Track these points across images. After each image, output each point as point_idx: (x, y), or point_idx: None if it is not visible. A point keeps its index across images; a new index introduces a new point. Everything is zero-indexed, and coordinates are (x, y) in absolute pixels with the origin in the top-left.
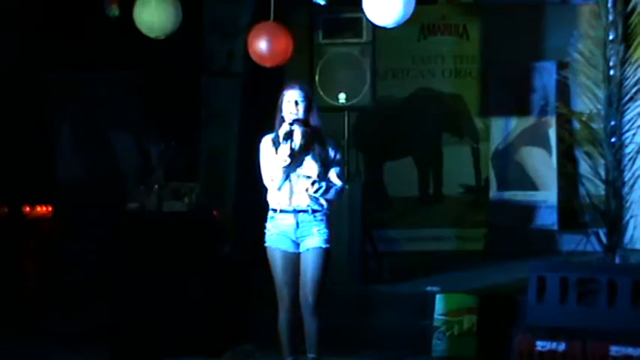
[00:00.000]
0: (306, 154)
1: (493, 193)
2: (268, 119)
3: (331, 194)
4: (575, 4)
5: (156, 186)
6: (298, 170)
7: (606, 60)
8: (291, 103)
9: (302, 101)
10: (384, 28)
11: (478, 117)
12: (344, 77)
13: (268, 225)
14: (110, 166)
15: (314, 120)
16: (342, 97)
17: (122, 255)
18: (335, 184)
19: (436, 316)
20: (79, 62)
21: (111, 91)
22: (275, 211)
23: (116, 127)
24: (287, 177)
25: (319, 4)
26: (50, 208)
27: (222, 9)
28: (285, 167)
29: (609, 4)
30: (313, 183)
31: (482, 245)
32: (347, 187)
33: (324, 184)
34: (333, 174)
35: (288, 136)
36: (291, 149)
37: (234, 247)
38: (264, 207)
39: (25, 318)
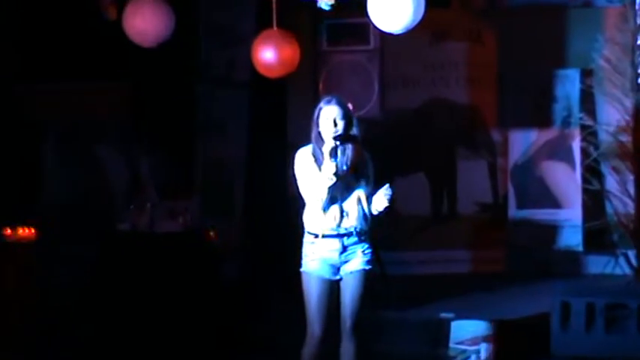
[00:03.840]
0: (354, 172)
1: (512, 211)
2: (275, 130)
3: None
4: (600, 6)
5: (148, 205)
6: (344, 189)
7: (634, 67)
8: (330, 121)
9: (341, 119)
10: (392, 35)
11: (495, 129)
12: (350, 86)
13: (307, 250)
14: (98, 184)
15: (354, 137)
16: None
17: (112, 280)
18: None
19: (451, 345)
20: (63, 71)
21: (99, 102)
22: (316, 236)
23: (104, 141)
24: (333, 198)
25: (323, 9)
26: (33, 231)
27: (221, 14)
28: (330, 187)
29: (637, 7)
30: (389, 187)
31: (500, 268)
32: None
33: (389, 191)
34: (376, 191)
35: (334, 153)
36: (337, 167)
37: (241, 268)
38: (283, 225)
39: (8, 349)
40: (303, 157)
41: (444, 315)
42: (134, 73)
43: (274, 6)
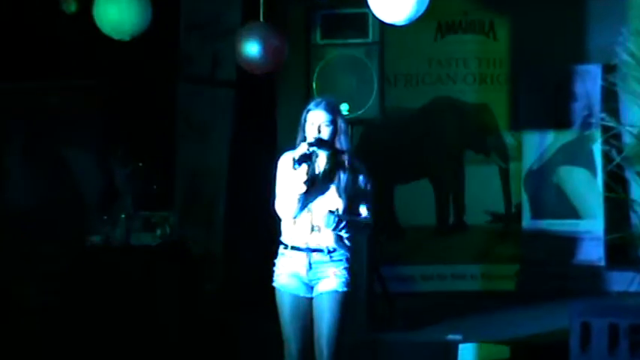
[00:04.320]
0: (330, 183)
1: (526, 222)
2: (263, 134)
3: (355, 230)
4: None
5: (122, 215)
6: (319, 201)
7: None
8: (314, 127)
9: (328, 125)
10: (393, 26)
11: (508, 131)
12: (346, 84)
13: (277, 262)
14: (68, 192)
15: (341, 143)
16: (344, 108)
17: (83, 297)
18: (361, 220)
19: None
20: (29, 69)
21: (68, 103)
22: (286, 246)
23: (75, 145)
24: (304, 207)
25: None
26: None
27: (204, 5)
28: (301, 196)
29: None
30: (331, 214)
31: (513, 285)
32: (371, 220)
33: (346, 217)
34: (362, 207)
35: (306, 159)
36: (310, 175)
37: (223, 285)
38: (268, 238)
39: None
40: (283, 161)
41: (451, 337)
42: (106, 70)
43: None
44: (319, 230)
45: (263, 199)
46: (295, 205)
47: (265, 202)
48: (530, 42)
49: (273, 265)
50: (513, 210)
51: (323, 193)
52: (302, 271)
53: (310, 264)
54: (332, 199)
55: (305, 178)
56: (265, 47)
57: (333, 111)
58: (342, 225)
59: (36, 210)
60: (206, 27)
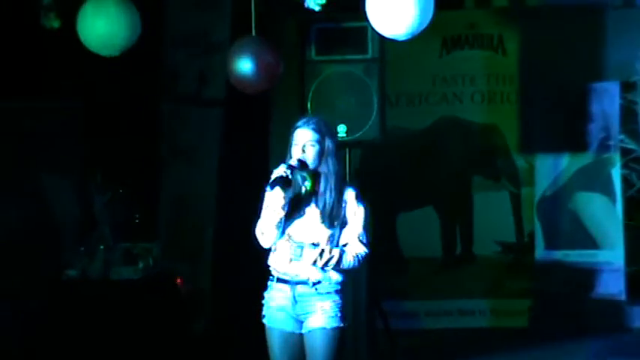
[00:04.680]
0: (312, 206)
1: (539, 252)
2: (254, 157)
3: (347, 263)
4: None
5: (101, 247)
6: (300, 229)
7: None
8: (298, 147)
9: (312, 145)
10: (395, 41)
11: (519, 153)
12: (344, 104)
13: (266, 295)
14: (41, 221)
15: (327, 166)
16: (341, 129)
17: (57, 337)
18: (354, 252)
19: None
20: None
21: (42, 125)
22: (272, 278)
23: (49, 170)
24: (282, 234)
25: (312, 9)
26: None
27: (190, 18)
28: (279, 222)
29: None
30: (322, 254)
31: (525, 321)
32: (367, 252)
33: (336, 252)
34: (352, 235)
35: (283, 182)
36: (287, 200)
37: (212, 324)
38: (260, 270)
39: None
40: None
41: None
42: (85, 89)
43: (253, 8)
44: (301, 261)
45: (255, 228)
46: (272, 231)
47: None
48: (543, 57)
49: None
50: (525, 240)
51: (304, 219)
52: (288, 305)
53: (294, 297)
54: (315, 227)
55: (282, 202)
56: (259, 64)
57: (320, 130)
58: (323, 259)
59: (6, 241)
60: (192, 42)
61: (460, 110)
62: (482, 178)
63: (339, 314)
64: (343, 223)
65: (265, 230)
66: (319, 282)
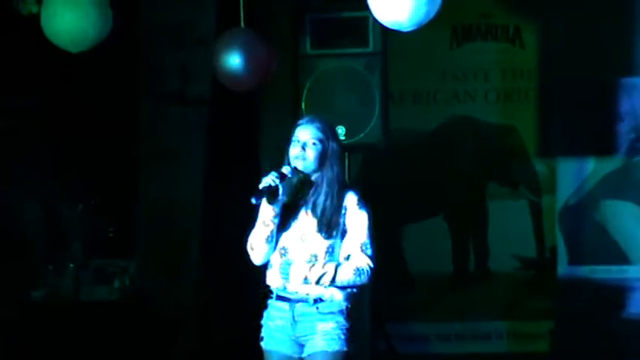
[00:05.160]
0: (308, 215)
1: (562, 268)
2: (244, 162)
3: (346, 280)
4: None
5: (71, 265)
6: (296, 240)
7: None
8: (298, 145)
9: (314, 145)
10: (399, 33)
11: (539, 158)
12: (342, 103)
13: (264, 315)
14: (4, 236)
15: (329, 170)
16: (339, 131)
17: None
18: (354, 265)
19: None
20: None
21: (5, 126)
22: (271, 296)
23: (13, 177)
24: (274, 248)
25: None
26: None
27: (171, 9)
28: (268, 237)
29: None
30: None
31: (546, 345)
32: (371, 266)
33: (331, 267)
34: (353, 246)
35: (269, 194)
36: (277, 212)
37: (199, 350)
38: (252, 290)
39: None
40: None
41: None
42: (53, 87)
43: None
44: (297, 276)
45: (246, 242)
46: (263, 246)
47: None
48: (565, 50)
49: (259, 321)
50: (547, 254)
51: (299, 230)
52: (287, 326)
53: (294, 317)
54: (311, 238)
55: (272, 214)
56: (249, 59)
57: (325, 130)
58: (313, 274)
59: None
60: (174, 34)
61: (473, 109)
62: (497, 185)
63: (342, 336)
64: (343, 232)
65: (255, 245)
66: (321, 300)
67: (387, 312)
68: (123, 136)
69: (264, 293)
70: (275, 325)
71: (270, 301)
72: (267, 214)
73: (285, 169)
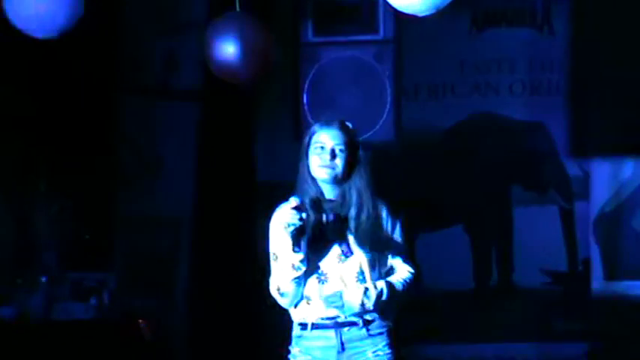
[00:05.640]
0: (344, 234)
1: (597, 283)
2: (238, 165)
3: (398, 294)
4: None
5: (43, 279)
6: (334, 262)
7: None
8: (325, 152)
9: (341, 151)
10: (413, 17)
11: (571, 159)
12: (349, 97)
13: (293, 349)
14: None
15: (356, 180)
16: None
17: None
18: (400, 278)
19: None
20: None
21: None
22: (304, 327)
23: None
24: (304, 282)
25: None
26: None
27: None
28: (296, 279)
29: None
30: (366, 291)
31: None
32: (413, 272)
33: (381, 284)
34: (394, 257)
35: (297, 234)
36: (304, 248)
37: None
38: (247, 310)
39: None
40: (276, 221)
41: None
42: (21, 79)
43: None
44: (341, 310)
45: (238, 255)
46: (296, 289)
47: (242, 260)
48: (600, 37)
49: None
50: (579, 268)
51: (337, 249)
52: (331, 354)
53: (342, 343)
54: (353, 256)
55: (301, 256)
56: (246, 47)
57: (349, 133)
58: (370, 298)
59: None
60: (159, 18)
61: (496, 104)
62: (523, 190)
63: (392, 357)
64: (381, 244)
65: (286, 289)
66: (373, 320)
67: (400, 334)
68: (101, 133)
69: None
70: (314, 356)
71: (304, 332)
72: (294, 257)
73: (295, 201)
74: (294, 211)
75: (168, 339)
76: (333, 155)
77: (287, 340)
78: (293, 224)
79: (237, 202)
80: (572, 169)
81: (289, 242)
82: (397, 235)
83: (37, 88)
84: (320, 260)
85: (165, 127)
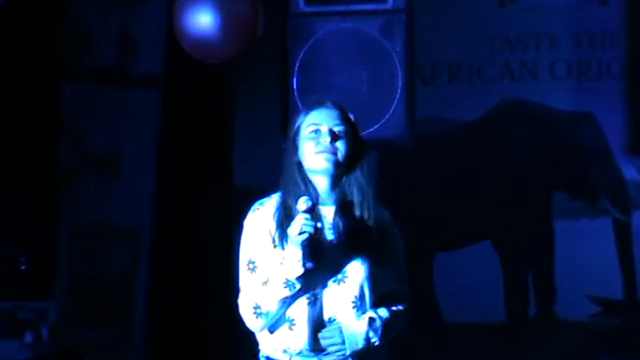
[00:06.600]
0: (346, 244)
1: None
2: (211, 164)
3: (398, 324)
4: None
5: None
6: (330, 284)
7: None
8: (322, 135)
9: (343, 131)
10: None
11: (627, 159)
12: (349, 80)
13: None
14: None
15: (357, 173)
16: None
17: None
18: (398, 310)
19: None
20: None
21: None
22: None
23: None
24: (292, 302)
25: None
26: None
27: None
28: (288, 297)
29: None
30: (372, 322)
31: None
32: (405, 307)
33: (384, 312)
34: (391, 281)
35: (308, 245)
36: (311, 253)
37: None
38: (223, 347)
39: None
40: (251, 224)
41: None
42: None
43: None
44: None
45: (210, 274)
46: (279, 310)
47: (214, 280)
48: None
49: None
50: (638, 295)
51: (332, 263)
52: None
53: None
54: (351, 271)
55: (302, 271)
56: (225, 17)
57: (348, 116)
58: (380, 333)
59: None
60: None
61: (532, 90)
62: (568, 198)
63: None
64: (378, 258)
65: (270, 308)
66: (365, 352)
67: None
68: (38, 130)
69: None
70: None
71: None
72: (292, 271)
73: (304, 202)
74: (307, 216)
75: None
76: (334, 137)
77: None
78: (306, 232)
79: (208, 210)
80: (629, 171)
81: (298, 254)
82: (398, 254)
83: None
84: (311, 277)
85: (119, 118)
